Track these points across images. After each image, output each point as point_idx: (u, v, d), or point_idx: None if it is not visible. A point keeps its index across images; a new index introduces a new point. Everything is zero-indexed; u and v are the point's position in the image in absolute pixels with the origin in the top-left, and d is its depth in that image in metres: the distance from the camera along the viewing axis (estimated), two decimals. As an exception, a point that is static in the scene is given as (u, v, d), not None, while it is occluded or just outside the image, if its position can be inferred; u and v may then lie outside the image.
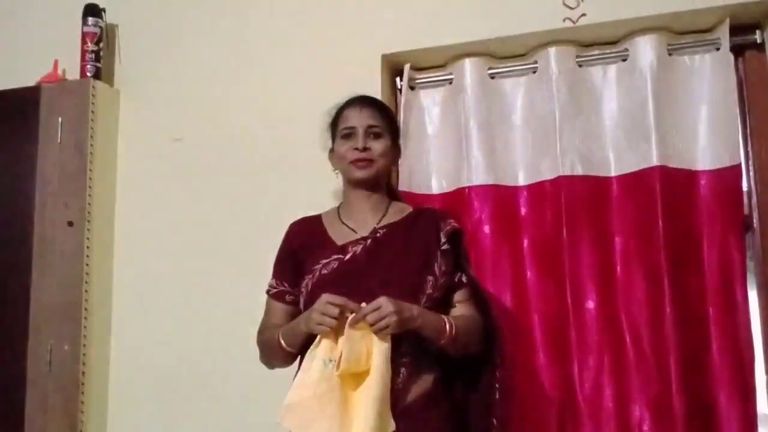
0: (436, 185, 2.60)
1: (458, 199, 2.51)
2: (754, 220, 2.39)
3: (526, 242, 2.48)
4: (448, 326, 1.87)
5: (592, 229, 2.41)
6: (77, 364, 2.57)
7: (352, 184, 2.07)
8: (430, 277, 1.93)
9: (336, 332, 1.80)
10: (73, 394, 2.55)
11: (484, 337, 1.99)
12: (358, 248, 1.98)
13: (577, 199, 2.42)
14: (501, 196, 2.51)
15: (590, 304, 2.38)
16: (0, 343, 2.66)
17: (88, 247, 2.65)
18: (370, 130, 2.04)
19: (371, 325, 1.77)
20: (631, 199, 2.39)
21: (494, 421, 1.95)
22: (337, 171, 2.13)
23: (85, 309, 2.61)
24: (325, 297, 1.81)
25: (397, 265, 1.94)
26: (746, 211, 2.38)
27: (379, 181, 2.09)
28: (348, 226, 2.05)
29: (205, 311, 2.64)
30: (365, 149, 2.01)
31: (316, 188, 2.42)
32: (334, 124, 2.11)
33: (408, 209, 2.11)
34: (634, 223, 2.37)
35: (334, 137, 2.11)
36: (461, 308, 1.99)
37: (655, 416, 2.25)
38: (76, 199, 2.67)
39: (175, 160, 2.78)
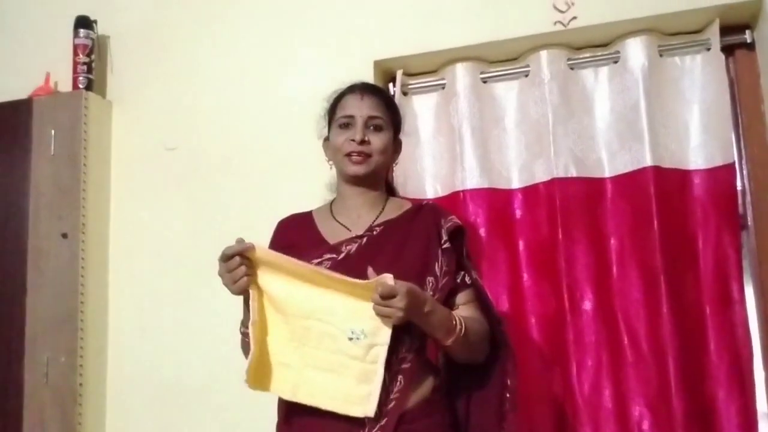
0: (431, 190, 2.60)
1: (453, 203, 2.50)
2: (749, 219, 2.40)
3: (521, 245, 2.47)
4: (458, 326, 1.74)
5: (587, 230, 2.41)
6: (74, 375, 2.56)
7: (345, 179, 1.93)
8: (430, 278, 1.80)
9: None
10: (70, 406, 2.54)
11: (490, 342, 1.86)
12: (353, 247, 1.84)
13: (572, 201, 2.42)
14: (495, 199, 2.51)
15: (587, 305, 2.38)
16: (-4, 355, 2.66)
17: (83, 259, 2.64)
18: (370, 121, 1.89)
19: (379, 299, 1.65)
20: (626, 199, 2.40)
21: None
22: (330, 162, 1.98)
23: (81, 320, 2.60)
24: (221, 255, 1.72)
25: (395, 266, 1.74)
26: (740, 209, 2.38)
27: (376, 178, 1.94)
28: (341, 224, 1.91)
29: (201, 321, 2.63)
30: (363, 142, 1.86)
31: (312, 195, 2.40)
32: (332, 110, 1.97)
33: (407, 205, 1.97)
34: (629, 223, 2.38)
35: (330, 125, 1.97)
36: (465, 310, 1.84)
37: (655, 415, 2.25)
38: (70, 210, 2.66)
39: (169, 169, 2.77)
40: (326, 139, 2.00)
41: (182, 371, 2.64)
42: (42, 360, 2.58)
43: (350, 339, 1.70)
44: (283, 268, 1.75)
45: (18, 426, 2.55)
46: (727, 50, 2.44)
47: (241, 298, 1.81)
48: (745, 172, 2.42)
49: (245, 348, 1.83)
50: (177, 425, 2.62)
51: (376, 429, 1.71)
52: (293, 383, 1.75)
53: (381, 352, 1.70)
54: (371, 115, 1.90)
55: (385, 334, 1.69)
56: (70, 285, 2.62)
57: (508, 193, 2.52)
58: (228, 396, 2.55)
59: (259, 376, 1.76)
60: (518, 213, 2.51)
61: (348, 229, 1.90)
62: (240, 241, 1.73)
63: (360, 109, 1.90)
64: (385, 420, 1.72)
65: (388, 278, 1.65)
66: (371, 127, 1.90)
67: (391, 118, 1.96)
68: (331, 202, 2.01)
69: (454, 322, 1.75)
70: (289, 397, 1.77)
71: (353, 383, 1.71)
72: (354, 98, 1.93)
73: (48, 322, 2.61)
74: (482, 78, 2.59)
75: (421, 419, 1.77)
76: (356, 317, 1.70)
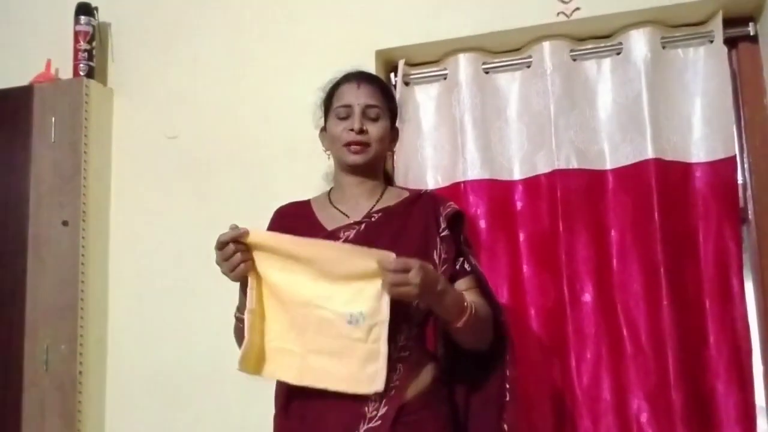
0: (432, 181, 2.59)
1: (454, 194, 2.49)
2: (749, 212, 2.40)
3: (522, 236, 2.47)
4: (468, 307, 1.73)
5: (588, 222, 2.41)
6: (74, 363, 2.56)
7: (344, 168, 1.93)
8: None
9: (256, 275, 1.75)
10: (70, 394, 2.54)
11: (493, 330, 1.85)
12: (351, 233, 1.84)
13: (573, 193, 2.42)
14: (497, 190, 2.50)
15: (587, 297, 2.38)
16: (-4, 343, 2.66)
17: (83, 247, 2.64)
18: (368, 110, 1.89)
19: (388, 276, 1.62)
20: (627, 192, 2.39)
21: (505, 426, 1.81)
22: (328, 152, 1.98)
23: (81, 309, 2.60)
24: (216, 243, 1.72)
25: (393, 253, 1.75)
26: (741, 203, 2.38)
27: (375, 167, 1.94)
28: (339, 210, 1.91)
29: (201, 310, 2.63)
30: (361, 131, 1.87)
31: (314, 184, 2.40)
32: (328, 100, 1.96)
33: (405, 194, 1.97)
34: (630, 215, 2.38)
35: (327, 114, 1.97)
36: (467, 297, 1.80)
37: (653, 408, 2.25)
38: (70, 198, 2.66)
39: (170, 158, 2.77)
40: (323, 130, 2.00)
41: (182, 359, 2.64)
42: (42, 348, 2.58)
43: (349, 323, 1.69)
44: (281, 249, 1.73)
45: (18, 413, 2.56)
46: (730, 43, 2.43)
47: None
48: (746, 165, 2.42)
49: (238, 333, 1.84)
50: (176, 413, 2.63)
51: (376, 418, 1.71)
52: (298, 369, 1.74)
53: (382, 330, 1.68)
54: (368, 104, 1.90)
55: (384, 310, 1.67)
56: (71, 273, 2.62)
57: (509, 185, 2.52)
58: (227, 384, 2.56)
59: (255, 361, 1.76)
60: (519, 204, 2.50)
61: (346, 215, 1.90)
62: (234, 227, 1.73)
63: (357, 97, 1.90)
64: (386, 409, 1.71)
65: (391, 255, 1.64)
66: (369, 116, 1.89)
67: (387, 106, 1.95)
68: (329, 191, 2.01)
69: (465, 303, 1.74)
70: (296, 382, 1.75)
71: (360, 364, 1.70)
72: (350, 87, 1.93)
73: (48, 309, 2.61)
74: (484, 69, 2.58)
75: (421, 410, 1.76)
76: (354, 300, 1.69)
